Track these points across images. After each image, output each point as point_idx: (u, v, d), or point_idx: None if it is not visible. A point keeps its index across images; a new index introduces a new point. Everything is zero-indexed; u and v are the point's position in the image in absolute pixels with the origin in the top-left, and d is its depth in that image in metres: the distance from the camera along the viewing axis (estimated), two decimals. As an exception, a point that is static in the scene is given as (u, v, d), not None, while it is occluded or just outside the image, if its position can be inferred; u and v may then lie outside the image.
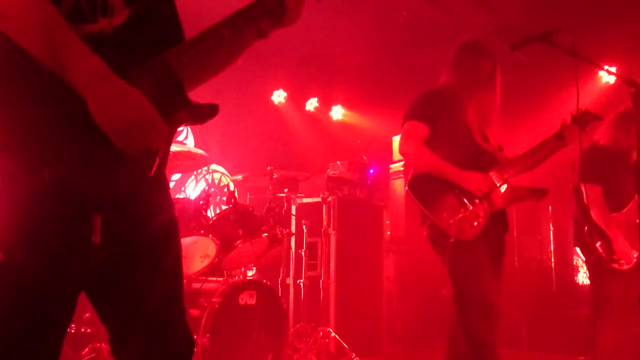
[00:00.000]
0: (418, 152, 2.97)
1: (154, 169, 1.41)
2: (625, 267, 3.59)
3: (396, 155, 5.98)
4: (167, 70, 1.39)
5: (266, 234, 4.10)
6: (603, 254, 3.60)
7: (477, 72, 3.03)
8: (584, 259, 4.02)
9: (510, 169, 2.97)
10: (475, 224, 2.84)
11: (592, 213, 3.67)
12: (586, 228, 3.68)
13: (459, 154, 2.93)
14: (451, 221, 2.83)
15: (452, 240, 2.82)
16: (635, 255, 3.59)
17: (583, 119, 3.10)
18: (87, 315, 3.70)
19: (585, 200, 3.73)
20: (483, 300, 2.80)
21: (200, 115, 1.46)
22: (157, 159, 1.41)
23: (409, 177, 3.06)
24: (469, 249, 2.84)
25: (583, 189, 3.74)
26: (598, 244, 3.61)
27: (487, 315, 2.80)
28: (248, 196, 5.77)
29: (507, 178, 2.96)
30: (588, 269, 3.97)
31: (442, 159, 2.91)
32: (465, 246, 2.83)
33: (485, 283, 2.83)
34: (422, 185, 2.96)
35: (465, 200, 2.87)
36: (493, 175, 2.93)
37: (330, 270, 5.03)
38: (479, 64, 3.05)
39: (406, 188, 3.03)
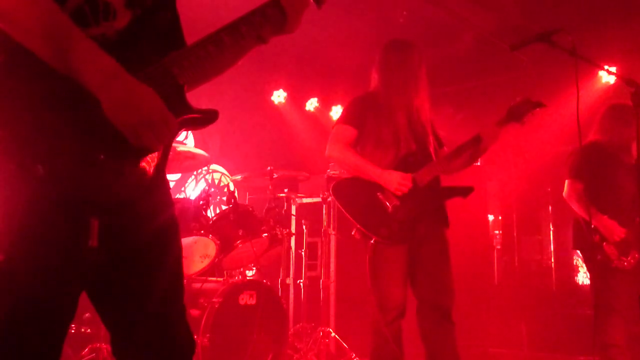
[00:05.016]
0: (342, 154, 3.05)
1: (153, 169, 1.41)
2: (627, 266, 3.58)
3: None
4: (167, 75, 1.40)
5: (266, 234, 4.10)
6: (610, 254, 3.57)
7: (403, 72, 3.07)
8: (584, 261, 3.99)
9: (432, 170, 2.99)
10: (394, 223, 2.89)
11: (573, 207, 3.72)
12: (593, 227, 3.62)
13: (385, 156, 2.99)
14: (371, 222, 2.89)
15: (372, 241, 2.92)
16: (622, 233, 3.57)
17: (519, 111, 2.98)
18: (87, 315, 3.70)
19: (564, 195, 3.77)
20: (385, 300, 2.94)
21: (200, 120, 1.47)
22: (157, 159, 1.42)
23: (334, 182, 3.14)
24: (384, 250, 2.92)
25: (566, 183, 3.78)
26: (604, 244, 3.58)
27: (388, 314, 2.94)
28: (248, 196, 5.77)
29: (429, 179, 2.97)
30: (590, 271, 3.90)
31: (366, 160, 2.97)
32: (382, 247, 2.91)
33: (388, 284, 2.94)
34: (347, 190, 3.05)
35: (387, 203, 2.92)
36: (415, 175, 2.95)
37: (330, 270, 5.03)
38: (404, 63, 3.08)
39: (330, 193, 3.11)
